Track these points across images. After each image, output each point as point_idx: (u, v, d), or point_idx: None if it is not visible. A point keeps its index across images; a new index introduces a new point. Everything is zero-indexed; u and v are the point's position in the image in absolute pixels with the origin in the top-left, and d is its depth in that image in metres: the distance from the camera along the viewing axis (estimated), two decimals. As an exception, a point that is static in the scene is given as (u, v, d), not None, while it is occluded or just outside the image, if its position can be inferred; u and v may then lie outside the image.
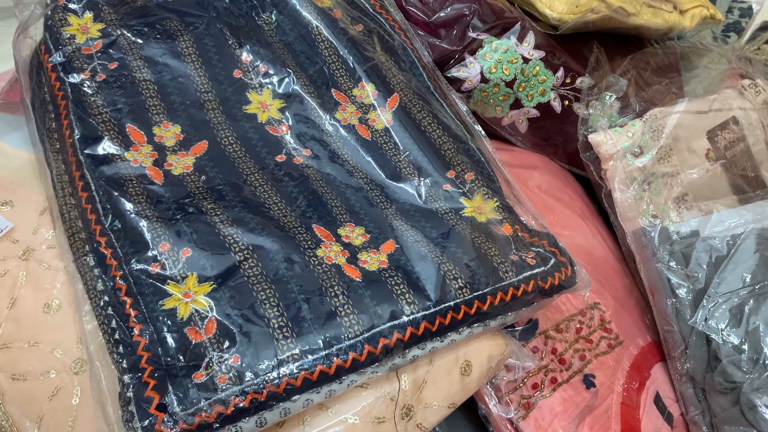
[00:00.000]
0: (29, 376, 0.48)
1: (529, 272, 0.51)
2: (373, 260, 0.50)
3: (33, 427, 0.46)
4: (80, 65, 0.58)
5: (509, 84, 0.71)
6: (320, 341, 0.44)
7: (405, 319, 0.47)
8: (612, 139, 0.71)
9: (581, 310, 0.63)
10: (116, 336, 0.44)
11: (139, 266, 0.47)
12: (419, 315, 0.47)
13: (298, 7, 0.64)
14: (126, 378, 0.42)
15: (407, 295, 0.48)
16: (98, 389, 0.44)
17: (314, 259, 0.49)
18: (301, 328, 0.45)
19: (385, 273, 0.49)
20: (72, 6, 0.62)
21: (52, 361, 0.48)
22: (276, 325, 0.44)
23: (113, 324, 0.45)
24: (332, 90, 0.62)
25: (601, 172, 0.72)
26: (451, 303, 0.48)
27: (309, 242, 0.50)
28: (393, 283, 0.48)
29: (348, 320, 0.46)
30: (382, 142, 0.60)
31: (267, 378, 0.42)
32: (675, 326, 0.64)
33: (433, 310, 0.47)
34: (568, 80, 0.74)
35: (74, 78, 0.57)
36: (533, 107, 0.73)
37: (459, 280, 0.49)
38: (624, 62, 0.76)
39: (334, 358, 0.44)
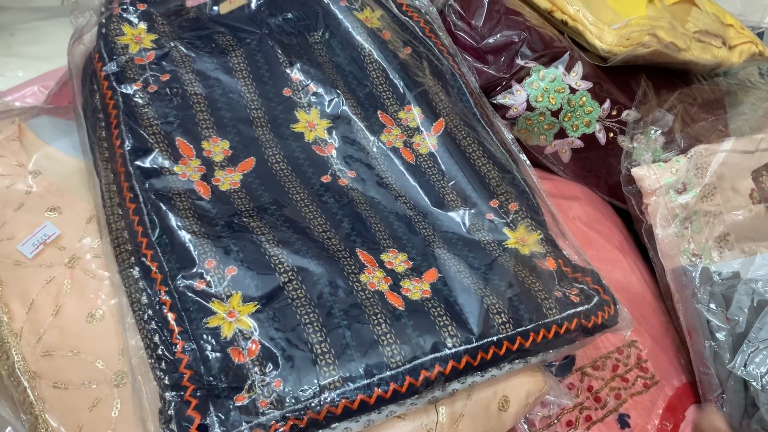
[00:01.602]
0: (70, 385, 0.48)
1: (573, 310, 0.51)
2: (416, 289, 0.50)
3: (72, 436, 0.47)
4: (133, 76, 0.59)
5: (555, 113, 0.71)
6: (362, 370, 0.44)
7: (447, 351, 0.46)
8: (655, 174, 0.70)
9: (618, 347, 0.62)
10: (159, 351, 0.45)
11: (185, 282, 0.47)
12: (461, 348, 0.47)
13: (349, 28, 0.64)
14: (167, 395, 0.42)
15: (450, 328, 0.47)
16: (139, 405, 0.44)
17: (357, 284, 0.49)
18: (343, 355, 0.45)
19: (428, 303, 0.49)
20: (127, 16, 0.63)
21: (94, 372, 0.49)
22: (319, 351, 0.44)
23: (156, 339, 0.45)
24: (379, 112, 0.62)
25: (642, 207, 0.72)
26: (494, 338, 0.48)
27: (352, 266, 0.50)
28: (436, 314, 0.48)
29: (390, 350, 0.46)
30: (427, 167, 0.59)
31: (308, 404, 0.42)
32: (712, 369, 0.63)
33: (475, 344, 0.47)
34: (614, 112, 0.73)
35: (126, 88, 0.58)
36: (578, 138, 0.73)
37: (502, 315, 0.49)
38: (671, 97, 0.75)
39: (375, 388, 0.44)
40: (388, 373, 0.45)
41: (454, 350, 0.46)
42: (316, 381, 0.43)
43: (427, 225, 0.56)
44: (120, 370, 0.49)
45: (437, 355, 0.46)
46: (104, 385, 0.48)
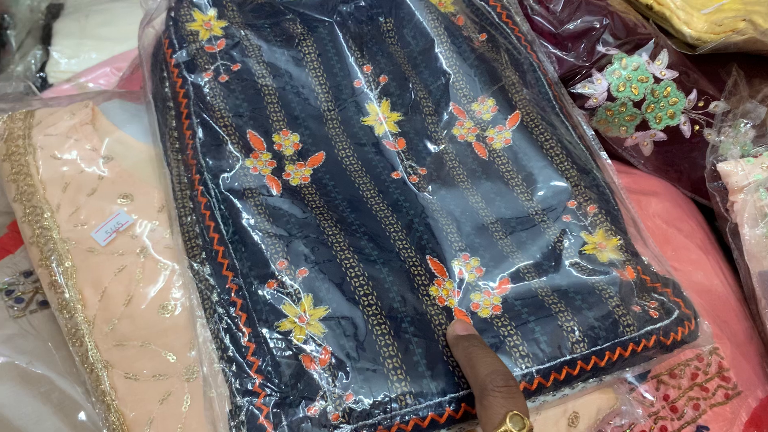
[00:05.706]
0: (141, 376, 0.49)
1: (651, 326, 0.48)
2: (486, 304, 0.48)
3: (142, 429, 0.47)
4: (203, 65, 0.58)
5: (637, 104, 0.67)
6: (434, 388, 0.43)
7: (518, 372, 0.45)
8: (744, 170, 0.66)
9: (698, 354, 0.59)
10: (229, 353, 0.44)
11: (256, 281, 0.46)
12: (533, 369, 0.45)
13: (422, 14, 0.62)
14: (239, 400, 0.42)
15: (521, 348, 0.46)
16: (210, 406, 0.44)
17: (427, 298, 0.48)
18: (414, 372, 0.43)
19: (498, 321, 0.47)
20: (197, 1, 0.62)
21: (165, 365, 0.49)
22: (391, 366, 0.43)
23: (227, 340, 0.45)
24: (451, 103, 0.59)
25: (728, 205, 0.67)
26: (567, 357, 0.46)
27: (423, 277, 0.49)
28: (506, 333, 0.46)
29: (460, 371, 0.44)
30: (500, 163, 0.57)
31: (379, 421, 0.41)
32: (800, 381, 0.59)
33: (548, 365, 0.45)
34: (700, 104, 0.69)
35: (197, 78, 0.57)
36: (660, 130, 0.69)
37: (576, 333, 0.46)
38: (765, 88, 0.70)
39: (447, 407, 0.43)
40: (461, 393, 0.43)
41: (525, 371, 0.45)
42: (387, 397, 0.42)
43: (499, 226, 0.53)
44: (191, 365, 0.49)
45: None
46: (175, 379, 0.49)
